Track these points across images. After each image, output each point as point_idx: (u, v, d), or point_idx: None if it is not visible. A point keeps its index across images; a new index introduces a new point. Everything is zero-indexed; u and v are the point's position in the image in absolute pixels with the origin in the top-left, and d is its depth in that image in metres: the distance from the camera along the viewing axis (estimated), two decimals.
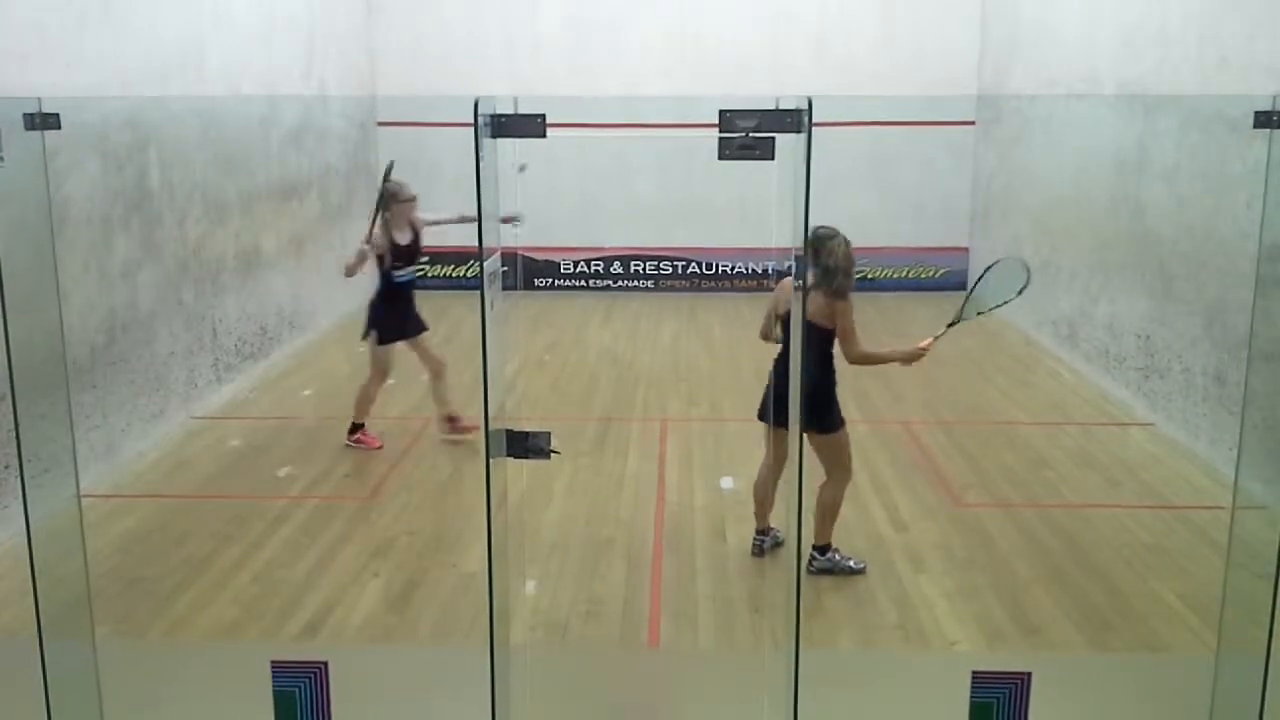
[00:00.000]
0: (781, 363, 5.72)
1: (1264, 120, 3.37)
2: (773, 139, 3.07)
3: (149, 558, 6.03)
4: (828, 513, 5.81)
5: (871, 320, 12.57)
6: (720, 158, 3.11)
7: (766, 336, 5.94)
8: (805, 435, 5.82)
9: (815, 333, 5.57)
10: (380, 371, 7.80)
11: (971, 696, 3.65)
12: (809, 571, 5.74)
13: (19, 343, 3.45)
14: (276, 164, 10.73)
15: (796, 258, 3.30)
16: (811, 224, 3.14)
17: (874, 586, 5.70)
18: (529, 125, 3.13)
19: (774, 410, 5.78)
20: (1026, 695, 3.64)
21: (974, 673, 3.66)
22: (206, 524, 6.52)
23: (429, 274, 14.39)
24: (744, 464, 7.54)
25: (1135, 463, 7.68)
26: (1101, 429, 8.54)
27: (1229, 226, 7.42)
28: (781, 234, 3.31)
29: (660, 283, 14.21)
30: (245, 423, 8.63)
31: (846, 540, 6.24)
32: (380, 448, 7.77)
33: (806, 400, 5.60)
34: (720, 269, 14.02)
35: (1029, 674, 3.63)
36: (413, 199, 7.64)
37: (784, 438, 5.82)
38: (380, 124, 14.14)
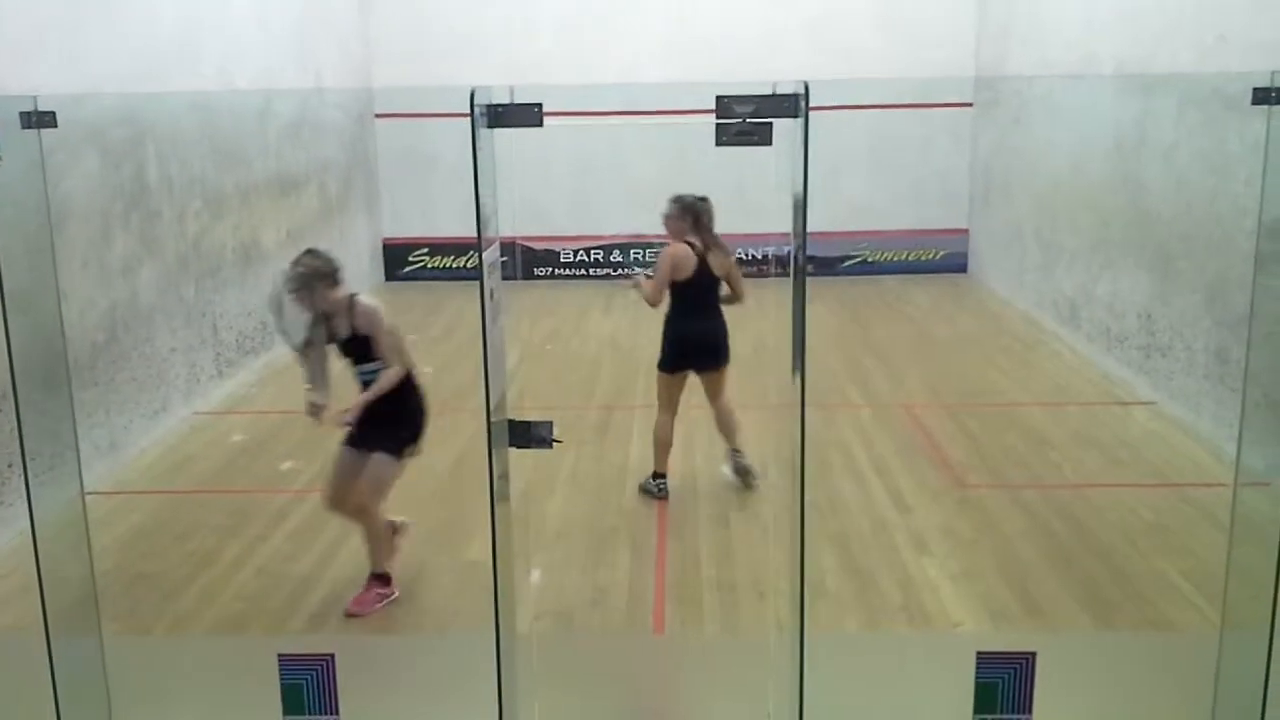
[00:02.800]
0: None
1: (1262, 97, 3.37)
2: (770, 124, 3.06)
3: (154, 553, 6.05)
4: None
5: (872, 302, 12.64)
6: (718, 144, 3.10)
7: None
8: (721, 371, 6.67)
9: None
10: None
11: (976, 677, 3.67)
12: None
13: (20, 341, 3.46)
14: (274, 158, 10.72)
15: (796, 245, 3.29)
16: (803, 207, 3.14)
17: (878, 569, 5.71)
18: (525, 114, 3.13)
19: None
20: (1031, 675, 3.65)
21: (979, 653, 3.67)
22: (210, 519, 6.53)
23: (428, 265, 14.42)
24: (746, 449, 7.55)
25: (1138, 441, 7.69)
26: (1104, 408, 8.54)
27: (1228, 204, 7.41)
28: (781, 220, 3.31)
29: None
30: (247, 417, 8.64)
31: (850, 522, 6.26)
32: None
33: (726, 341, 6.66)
34: None
35: (1034, 654, 3.64)
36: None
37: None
38: (378, 116, 14.13)
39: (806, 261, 3.29)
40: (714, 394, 6.80)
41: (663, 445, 6.71)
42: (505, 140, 3.21)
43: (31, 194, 3.55)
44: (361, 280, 13.61)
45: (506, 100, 3.13)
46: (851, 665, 4.79)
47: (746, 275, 6.87)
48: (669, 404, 6.71)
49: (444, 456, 7.55)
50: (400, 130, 14.06)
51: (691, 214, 6.50)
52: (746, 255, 14.13)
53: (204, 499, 6.96)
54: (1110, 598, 5.39)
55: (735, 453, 6.85)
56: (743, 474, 6.83)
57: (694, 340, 6.61)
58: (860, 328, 11.30)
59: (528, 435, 3.45)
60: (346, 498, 5.36)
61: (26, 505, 3.54)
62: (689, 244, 6.51)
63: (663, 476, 6.70)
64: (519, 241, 13.51)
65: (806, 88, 3.01)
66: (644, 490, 6.73)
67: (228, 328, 9.43)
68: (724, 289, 6.64)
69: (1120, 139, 9.26)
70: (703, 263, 6.49)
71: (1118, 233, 9.37)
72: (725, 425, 6.85)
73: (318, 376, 5.40)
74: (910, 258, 14.36)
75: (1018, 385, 9.27)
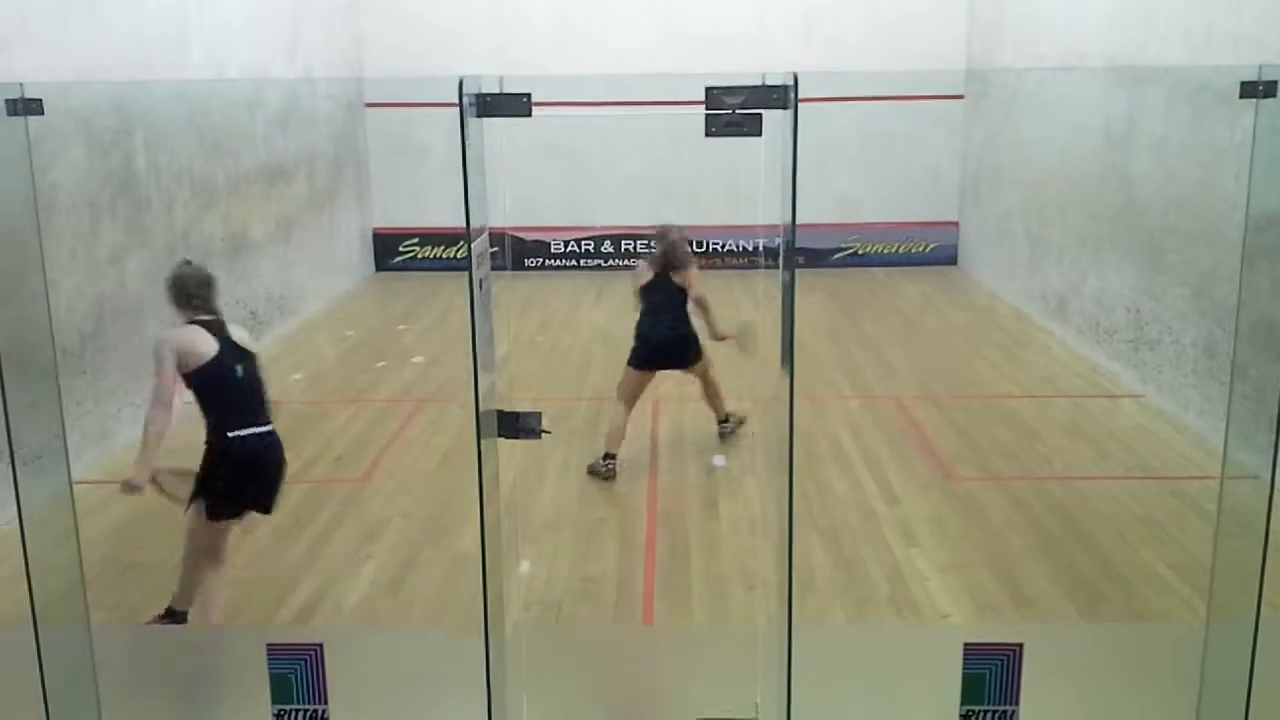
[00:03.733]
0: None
1: (1250, 90, 3.37)
2: (759, 115, 3.06)
3: (143, 543, 6.03)
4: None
5: (862, 295, 12.66)
6: (707, 134, 3.10)
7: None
8: (692, 367, 7.28)
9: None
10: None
11: (964, 668, 3.68)
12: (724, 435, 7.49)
13: (7, 331, 3.45)
14: (263, 147, 10.67)
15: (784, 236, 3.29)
16: (792, 198, 3.14)
17: (866, 560, 5.72)
18: (514, 104, 3.12)
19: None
20: (1019, 666, 3.66)
21: (966, 645, 3.68)
22: None
23: (418, 255, 14.39)
24: (735, 442, 7.56)
25: (1126, 434, 7.71)
26: (1092, 401, 8.57)
27: (1217, 198, 7.43)
28: (770, 211, 3.31)
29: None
30: None
31: (839, 514, 6.27)
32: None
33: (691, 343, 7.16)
34: (710, 246, 14.01)
35: (1020, 645, 3.65)
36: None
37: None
38: (368, 105, 14.08)
39: (796, 253, 3.29)
40: (701, 378, 7.42)
41: (615, 434, 7.09)
42: (496, 130, 3.20)
43: (18, 182, 3.53)
44: (351, 270, 13.59)
45: (495, 90, 3.12)
46: (839, 656, 4.80)
47: (736, 267, 7.03)
48: (629, 397, 7.16)
49: (434, 447, 7.56)
50: (390, 120, 14.01)
51: (656, 252, 7.31)
52: (737, 247, 14.18)
53: None
54: (1098, 589, 5.41)
55: (723, 424, 7.56)
56: (731, 433, 7.59)
57: (656, 342, 7.16)
58: (850, 320, 11.32)
59: (517, 426, 3.45)
60: None
61: (14, 494, 3.52)
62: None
63: (612, 457, 6.98)
64: (509, 232, 13.48)
65: (796, 79, 3.00)
66: (593, 472, 6.96)
67: None
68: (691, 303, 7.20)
69: (1110, 132, 9.28)
70: (664, 278, 7.14)
71: (1107, 226, 9.39)
72: (712, 400, 7.50)
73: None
74: (900, 250, 14.37)
75: (1006, 378, 9.29)
